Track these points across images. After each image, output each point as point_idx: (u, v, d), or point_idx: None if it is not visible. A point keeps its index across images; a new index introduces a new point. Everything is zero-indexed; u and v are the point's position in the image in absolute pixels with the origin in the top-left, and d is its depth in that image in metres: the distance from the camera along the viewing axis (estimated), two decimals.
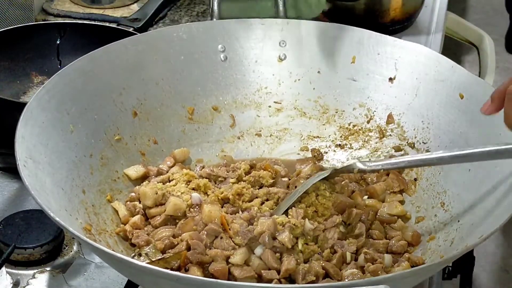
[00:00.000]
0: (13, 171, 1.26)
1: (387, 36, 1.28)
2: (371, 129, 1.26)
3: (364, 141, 1.26)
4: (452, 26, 1.92)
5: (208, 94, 1.30)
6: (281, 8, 1.35)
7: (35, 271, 1.11)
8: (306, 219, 1.07)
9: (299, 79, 1.31)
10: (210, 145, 1.29)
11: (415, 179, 1.18)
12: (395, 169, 1.16)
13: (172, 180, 1.18)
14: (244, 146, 1.29)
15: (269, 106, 1.31)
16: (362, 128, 1.27)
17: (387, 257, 1.06)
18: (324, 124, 1.29)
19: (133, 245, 1.10)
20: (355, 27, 1.29)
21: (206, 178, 1.18)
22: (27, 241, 1.11)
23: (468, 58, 3.02)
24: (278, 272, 1.03)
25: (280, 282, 1.02)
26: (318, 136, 1.29)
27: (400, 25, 1.66)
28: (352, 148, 1.26)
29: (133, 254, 1.06)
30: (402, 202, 1.17)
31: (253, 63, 1.31)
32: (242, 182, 1.17)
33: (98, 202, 1.14)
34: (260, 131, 1.30)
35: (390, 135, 1.24)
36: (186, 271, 1.04)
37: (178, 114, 1.28)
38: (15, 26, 1.47)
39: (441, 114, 1.20)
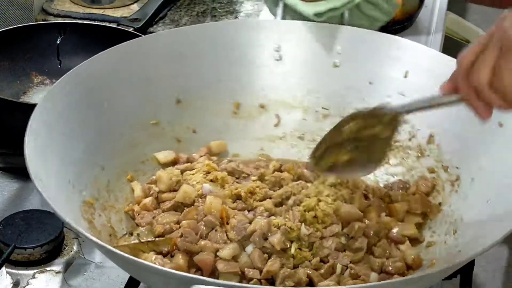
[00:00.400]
0: (13, 171, 1.26)
1: (444, 55, 1.24)
2: (411, 147, 1.22)
3: (402, 158, 1.22)
4: (452, 26, 1.92)
5: (257, 91, 1.29)
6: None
7: (35, 271, 1.10)
8: (303, 224, 1.06)
9: (350, 88, 1.28)
10: (250, 142, 1.28)
11: (440, 204, 1.16)
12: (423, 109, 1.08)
13: (193, 169, 1.18)
14: (285, 148, 1.29)
15: (316, 111, 1.29)
16: (403, 144, 1.23)
17: (373, 276, 1.04)
18: None
19: (138, 225, 1.11)
20: (414, 42, 1.27)
21: (229, 172, 1.18)
22: (27, 241, 1.11)
23: None
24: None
25: (261, 283, 1.01)
26: None
27: (400, 25, 1.66)
28: (389, 164, 1.23)
29: (125, 232, 1.07)
30: (421, 225, 1.14)
31: (307, 66, 1.30)
32: (261, 181, 1.16)
33: (115, 180, 1.15)
34: (303, 134, 1.29)
35: (428, 155, 1.21)
36: (172, 257, 1.04)
37: (223, 107, 1.28)
38: (15, 26, 1.47)
39: (478, 140, 1.15)
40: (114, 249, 0.92)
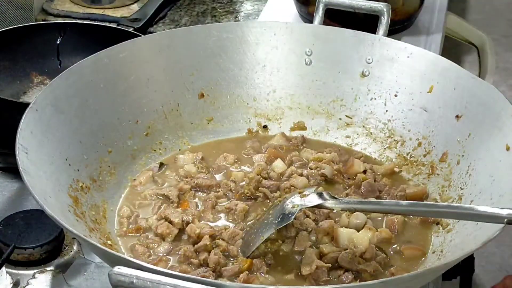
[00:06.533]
0: (13, 171, 1.26)
1: (470, 74, 1.20)
2: (424, 164, 1.22)
3: (414, 174, 1.22)
4: (452, 26, 1.92)
5: (283, 94, 1.31)
6: (384, 25, 1.30)
7: (35, 271, 1.10)
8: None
9: (375, 98, 1.28)
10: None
11: (438, 223, 1.13)
12: (360, 211, 1.09)
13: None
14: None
15: (340, 119, 1.30)
16: (417, 160, 1.23)
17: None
18: (385, 149, 1.26)
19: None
20: (444, 58, 1.24)
21: None
22: (27, 241, 1.11)
23: (468, 58, 3.01)
24: None
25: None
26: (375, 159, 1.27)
27: (400, 25, 1.66)
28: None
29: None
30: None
31: (336, 73, 1.30)
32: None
33: (123, 164, 1.18)
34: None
35: (438, 174, 1.19)
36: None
37: (247, 106, 1.30)
38: (15, 26, 1.47)
39: (485, 162, 1.12)
40: (62, 222, 0.92)
